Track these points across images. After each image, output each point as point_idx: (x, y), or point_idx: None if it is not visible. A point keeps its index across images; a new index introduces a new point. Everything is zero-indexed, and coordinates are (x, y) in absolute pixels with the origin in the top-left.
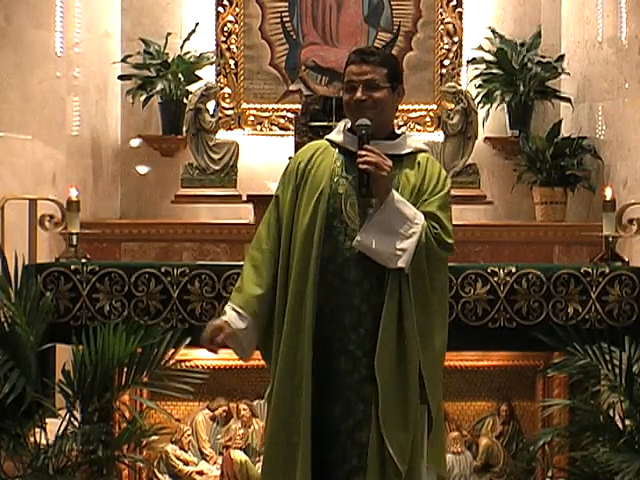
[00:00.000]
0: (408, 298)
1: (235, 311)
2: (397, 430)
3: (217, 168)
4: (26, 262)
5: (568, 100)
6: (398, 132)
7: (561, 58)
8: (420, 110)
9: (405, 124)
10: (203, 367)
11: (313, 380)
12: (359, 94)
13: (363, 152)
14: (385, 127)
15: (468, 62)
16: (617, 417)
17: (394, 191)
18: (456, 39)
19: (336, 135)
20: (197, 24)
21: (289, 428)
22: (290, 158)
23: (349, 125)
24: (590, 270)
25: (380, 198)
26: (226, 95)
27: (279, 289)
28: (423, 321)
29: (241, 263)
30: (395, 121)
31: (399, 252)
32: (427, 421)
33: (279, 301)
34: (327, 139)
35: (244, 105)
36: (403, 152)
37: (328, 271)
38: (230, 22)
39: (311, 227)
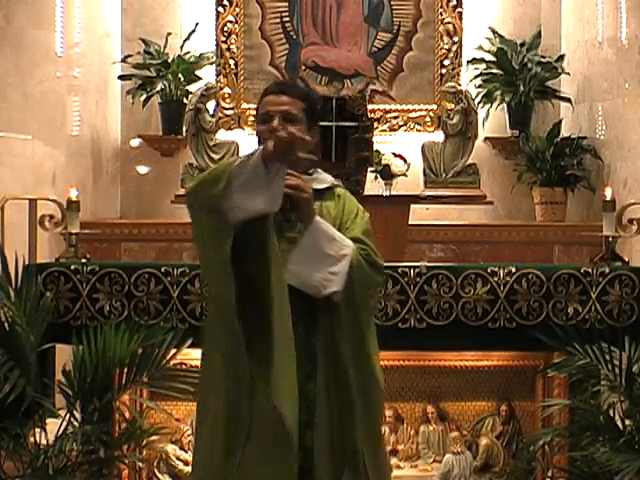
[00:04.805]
0: (342, 335)
1: None
2: None
3: None
4: (26, 262)
5: (568, 100)
6: (310, 171)
7: (561, 58)
8: (420, 110)
9: (405, 124)
10: None
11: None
12: (275, 122)
13: None
14: (300, 164)
15: (468, 62)
16: (617, 417)
17: (318, 216)
18: (456, 39)
19: None
20: (197, 24)
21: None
22: None
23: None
24: (590, 270)
25: (305, 222)
26: (226, 95)
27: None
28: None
29: None
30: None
31: (332, 276)
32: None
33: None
34: None
35: (244, 105)
36: (322, 186)
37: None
38: (230, 22)
39: None
